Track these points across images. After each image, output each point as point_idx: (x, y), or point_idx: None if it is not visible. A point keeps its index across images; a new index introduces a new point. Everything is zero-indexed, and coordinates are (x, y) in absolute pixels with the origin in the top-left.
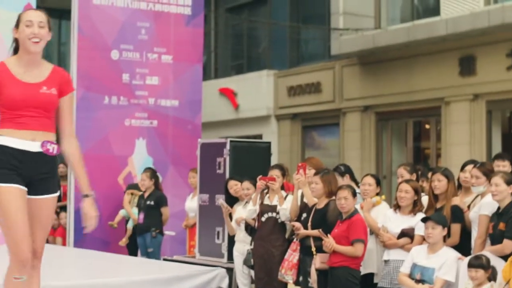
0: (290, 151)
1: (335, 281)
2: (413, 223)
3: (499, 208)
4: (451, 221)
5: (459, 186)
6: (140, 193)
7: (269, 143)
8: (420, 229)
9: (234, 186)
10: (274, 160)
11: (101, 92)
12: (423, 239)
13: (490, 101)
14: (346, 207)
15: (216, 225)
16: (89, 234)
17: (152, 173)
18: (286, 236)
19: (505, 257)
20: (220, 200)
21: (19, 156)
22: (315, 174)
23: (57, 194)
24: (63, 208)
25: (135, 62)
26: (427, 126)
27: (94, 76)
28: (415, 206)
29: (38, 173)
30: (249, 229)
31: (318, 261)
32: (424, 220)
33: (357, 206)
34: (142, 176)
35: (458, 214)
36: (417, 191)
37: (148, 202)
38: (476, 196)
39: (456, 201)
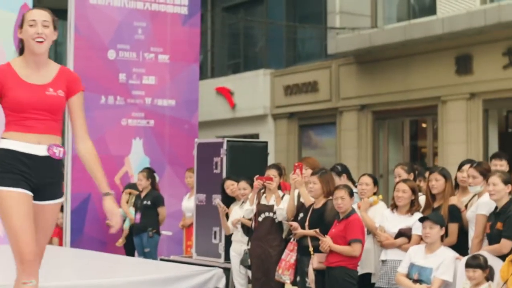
0: (287, 150)
1: (332, 281)
2: (410, 222)
3: (496, 207)
4: (448, 220)
5: (457, 185)
6: (138, 193)
7: (266, 142)
8: (417, 229)
9: (231, 186)
10: (270, 159)
11: (98, 92)
12: (421, 239)
13: (487, 100)
14: (343, 207)
15: (213, 225)
16: (86, 234)
17: (148, 173)
18: (283, 236)
19: (502, 257)
20: (217, 200)
21: (26, 161)
22: (313, 174)
23: (62, 199)
24: (60, 208)
25: (132, 62)
26: (423, 125)
27: (90, 76)
28: (413, 206)
29: (45, 177)
30: (245, 229)
31: (315, 261)
32: (421, 219)
33: (354, 206)
34: (138, 176)
35: (455, 214)
36: (415, 191)
37: (144, 202)
38: (473, 196)
39: (453, 200)
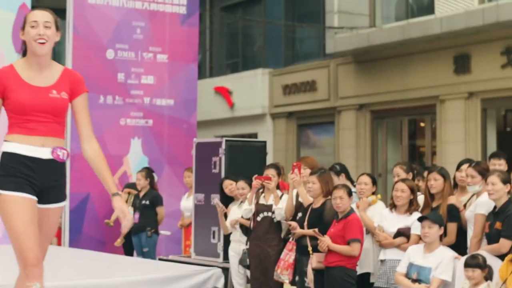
0: (286, 150)
1: (331, 281)
2: (409, 222)
3: (495, 207)
4: (447, 220)
5: (455, 185)
6: (137, 192)
7: (265, 142)
8: (416, 229)
9: (229, 186)
10: (269, 159)
11: (96, 92)
12: (419, 239)
13: (485, 99)
14: (342, 207)
15: (212, 225)
16: (85, 234)
17: (147, 172)
18: (282, 235)
19: (501, 256)
20: (216, 199)
21: (30, 164)
22: (312, 173)
23: (65, 203)
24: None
25: (130, 62)
26: (422, 124)
27: (89, 76)
28: (411, 205)
29: (49, 180)
30: (244, 229)
31: (314, 261)
32: (420, 219)
33: (353, 206)
34: (137, 176)
35: (454, 213)
36: (413, 190)
37: (143, 202)
38: (472, 195)
39: (452, 200)
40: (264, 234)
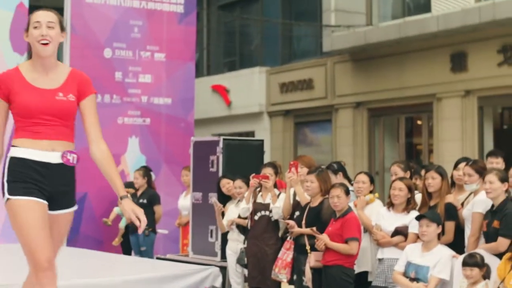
0: (283, 148)
1: (329, 280)
2: (406, 221)
3: (493, 205)
4: (445, 218)
5: (453, 183)
6: (134, 191)
7: (262, 141)
8: (414, 227)
9: (227, 185)
10: (266, 157)
11: None
12: (417, 237)
13: (482, 97)
14: (339, 206)
15: (209, 224)
16: (82, 233)
17: (145, 171)
18: (280, 234)
19: (499, 255)
20: (213, 198)
21: (39, 169)
22: (310, 172)
23: (76, 207)
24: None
25: (128, 60)
26: (419, 122)
27: (86, 75)
28: (409, 204)
29: (58, 185)
30: (241, 228)
31: (312, 260)
32: (418, 218)
33: (351, 204)
34: (135, 174)
35: (452, 212)
36: (411, 189)
37: (141, 200)
38: (470, 194)
39: (449, 198)
40: (262, 233)
